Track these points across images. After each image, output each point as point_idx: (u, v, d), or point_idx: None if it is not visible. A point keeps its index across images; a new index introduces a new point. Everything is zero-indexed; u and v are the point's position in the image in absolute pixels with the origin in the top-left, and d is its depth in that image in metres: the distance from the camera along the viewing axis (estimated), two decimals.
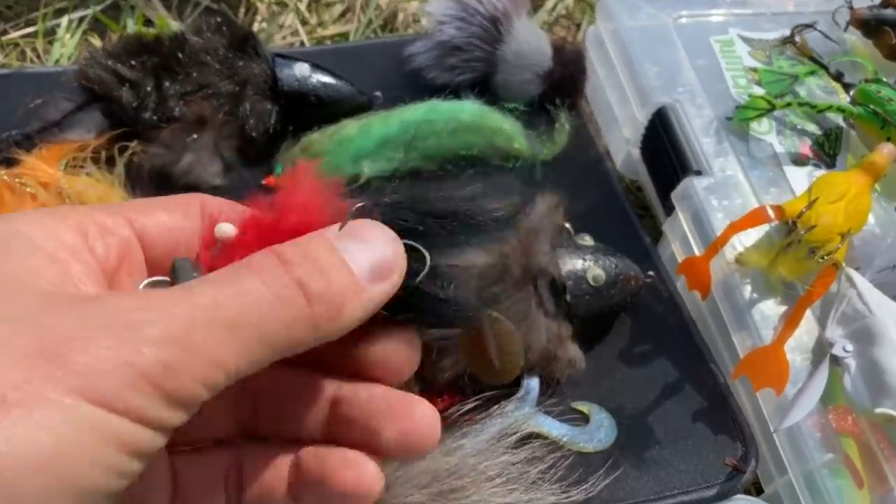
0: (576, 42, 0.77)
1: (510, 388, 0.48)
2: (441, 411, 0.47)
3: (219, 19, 0.60)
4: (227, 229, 0.30)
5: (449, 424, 0.46)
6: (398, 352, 0.32)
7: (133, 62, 0.58)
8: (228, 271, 0.27)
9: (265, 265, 0.27)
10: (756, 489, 0.52)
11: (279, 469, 0.31)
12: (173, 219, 0.31)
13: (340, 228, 0.29)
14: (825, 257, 0.47)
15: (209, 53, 0.59)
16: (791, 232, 0.49)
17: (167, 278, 0.29)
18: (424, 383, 0.48)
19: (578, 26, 0.79)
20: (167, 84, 0.58)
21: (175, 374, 0.23)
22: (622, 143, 0.64)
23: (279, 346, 0.26)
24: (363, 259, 0.28)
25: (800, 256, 0.48)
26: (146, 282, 0.29)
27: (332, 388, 0.31)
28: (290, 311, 0.26)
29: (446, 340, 0.47)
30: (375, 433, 0.30)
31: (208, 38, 0.59)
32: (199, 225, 0.31)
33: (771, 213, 0.49)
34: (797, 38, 0.61)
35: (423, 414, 0.31)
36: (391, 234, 0.29)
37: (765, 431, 0.50)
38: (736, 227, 0.49)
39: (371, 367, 0.31)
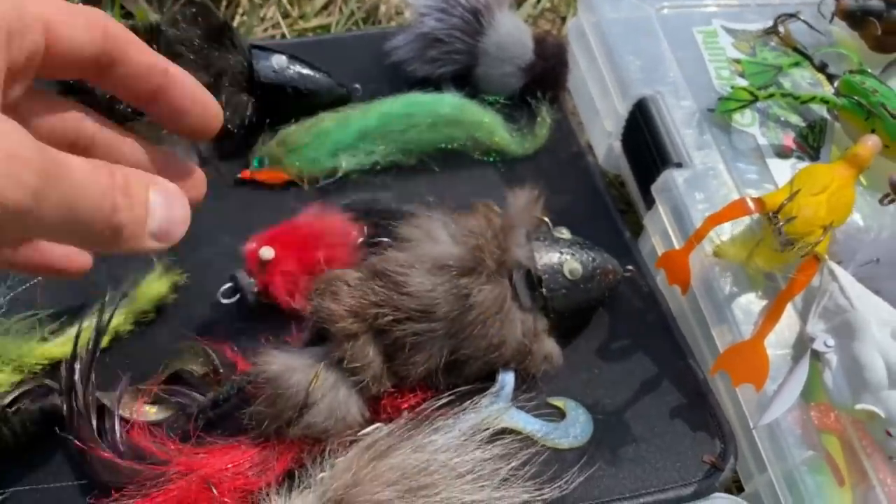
0: (560, 35, 0.76)
1: (485, 384, 0.47)
2: (413, 406, 0.47)
3: (194, 10, 0.59)
4: (268, 254, 0.45)
5: (421, 420, 0.45)
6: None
7: None
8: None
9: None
10: (737, 487, 0.51)
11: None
12: (80, 35, 0.34)
13: None
14: (806, 252, 0.46)
15: (184, 44, 0.58)
16: (771, 225, 0.48)
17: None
18: (397, 378, 0.47)
19: (564, 19, 0.78)
20: None
21: None
22: (604, 136, 0.63)
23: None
24: (160, 215, 0.33)
25: (776, 247, 0.47)
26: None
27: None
28: (99, 183, 0.30)
29: (419, 336, 0.46)
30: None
31: (184, 28, 0.58)
32: (98, 45, 0.34)
33: (751, 204, 0.48)
34: (781, 29, 0.60)
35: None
36: (186, 206, 0.34)
37: (744, 428, 0.49)
38: (715, 220, 0.49)
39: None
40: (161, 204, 0.33)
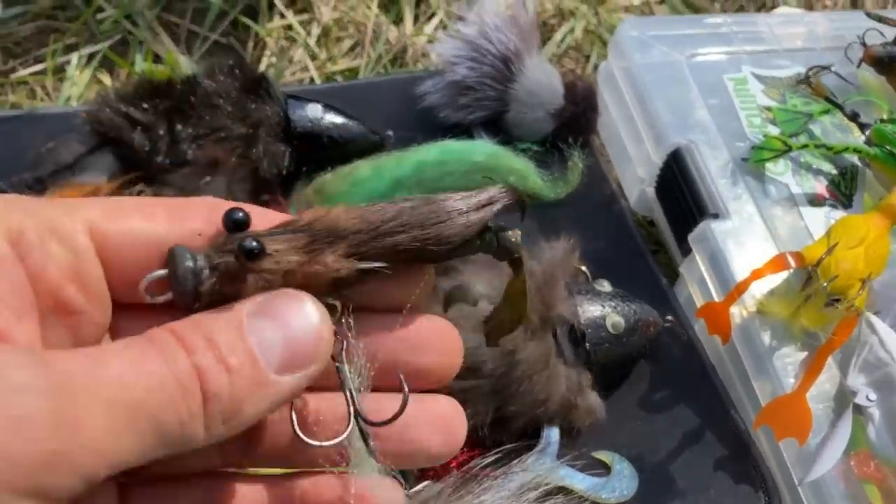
0: (585, 74, 0.77)
1: (530, 440, 0.48)
2: (461, 464, 0.47)
3: (231, 62, 0.59)
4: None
5: (469, 478, 0.45)
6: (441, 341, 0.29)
7: (145, 105, 0.58)
8: (131, 342, 0.23)
9: (168, 346, 0.23)
10: None
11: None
12: (151, 226, 0.26)
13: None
14: (848, 308, 0.47)
15: (222, 96, 0.58)
16: (811, 279, 0.49)
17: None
18: None
19: (587, 58, 0.79)
20: (179, 127, 0.57)
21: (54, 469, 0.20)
22: (636, 180, 0.64)
23: (170, 441, 0.23)
24: (275, 343, 0.24)
25: (821, 306, 0.47)
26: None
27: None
28: (188, 404, 0.23)
29: (466, 393, 0.47)
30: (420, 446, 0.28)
31: (221, 80, 0.59)
32: (186, 233, 0.26)
33: (791, 260, 0.49)
34: (811, 79, 0.60)
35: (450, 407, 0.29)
36: (318, 310, 0.25)
37: (787, 480, 0.49)
38: (757, 275, 0.49)
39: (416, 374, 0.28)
40: (269, 329, 0.25)
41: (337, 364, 0.27)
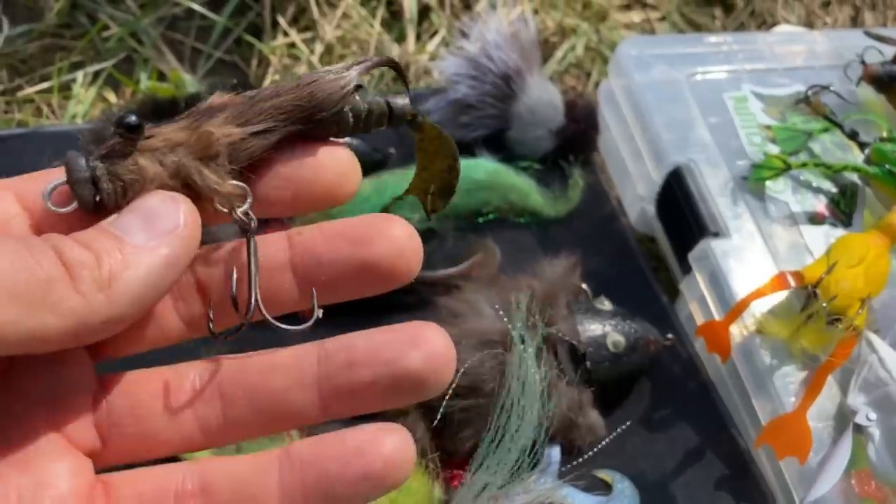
0: (586, 92, 0.78)
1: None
2: (462, 483, 0.47)
3: (234, 81, 0.60)
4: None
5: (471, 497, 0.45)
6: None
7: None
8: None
9: (26, 237, 0.25)
10: None
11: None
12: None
13: None
14: (848, 327, 0.47)
15: None
16: (811, 299, 0.49)
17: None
18: (445, 453, 0.48)
19: (588, 75, 0.79)
20: None
21: None
22: (636, 198, 0.64)
23: (40, 308, 0.23)
24: (134, 223, 0.26)
25: (821, 327, 0.48)
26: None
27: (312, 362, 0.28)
28: (45, 269, 0.24)
29: (466, 412, 0.47)
30: (395, 362, 0.26)
31: None
32: None
33: (791, 280, 0.49)
34: (811, 98, 0.61)
35: (435, 331, 0.27)
36: (172, 193, 0.26)
37: (789, 500, 0.49)
38: (757, 294, 0.49)
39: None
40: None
41: (248, 235, 0.27)
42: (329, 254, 0.28)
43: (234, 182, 0.27)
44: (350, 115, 0.28)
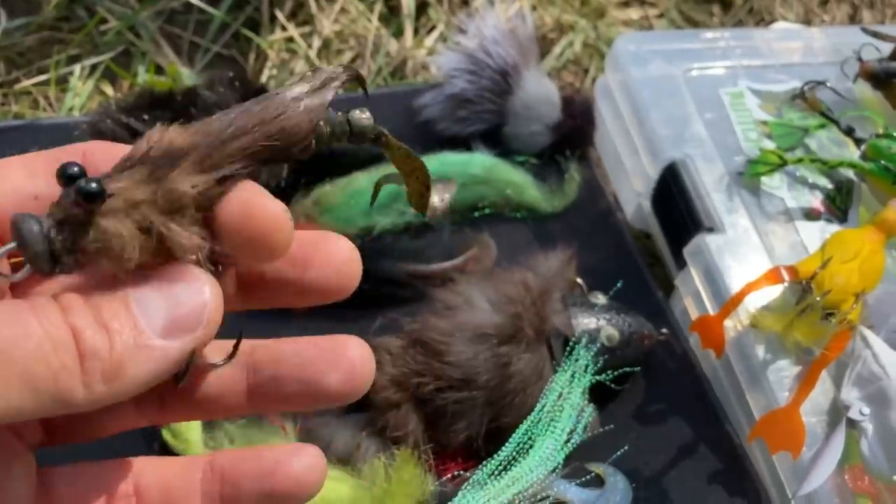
0: (583, 88, 0.78)
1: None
2: (454, 476, 0.47)
3: (231, 74, 0.60)
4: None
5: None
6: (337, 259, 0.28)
7: (146, 116, 0.58)
8: (11, 303, 0.24)
9: (44, 306, 0.24)
10: None
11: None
12: (34, 182, 0.26)
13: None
14: (841, 322, 0.47)
15: (221, 108, 0.58)
16: (805, 294, 0.49)
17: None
18: (438, 445, 0.48)
19: (586, 71, 0.79)
20: None
21: None
22: (632, 193, 0.64)
23: (44, 395, 0.23)
24: (158, 310, 0.25)
25: (815, 321, 0.48)
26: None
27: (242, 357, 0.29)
28: (60, 356, 0.23)
29: (460, 404, 0.47)
30: (315, 381, 0.28)
31: (221, 92, 0.59)
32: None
33: (785, 274, 0.49)
34: (807, 94, 0.61)
35: (356, 348, 0.28)
36: (204, 277, 0.25)
37: (781, 494, 0.49)
38: (751, 287, 0.49)
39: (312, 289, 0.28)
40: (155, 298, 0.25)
41: None
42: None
43: (199, 236, 0.25)
44: (314, 141, 0.27)
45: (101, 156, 0.27)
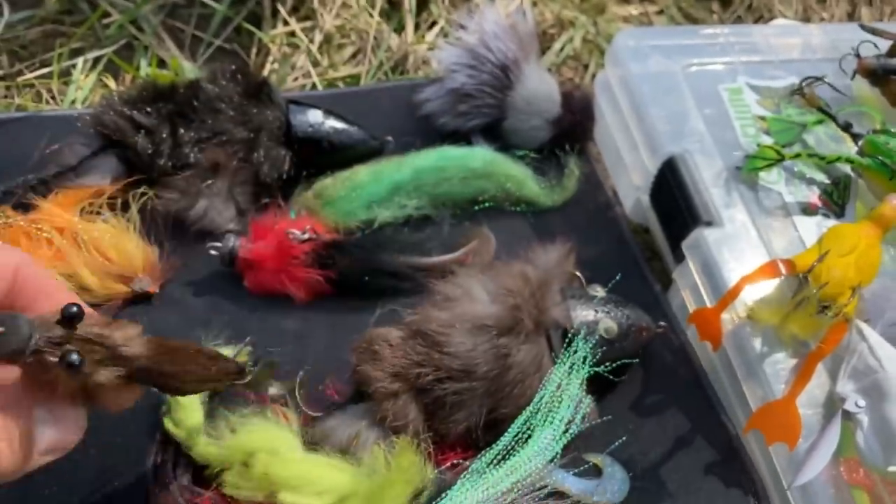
0: (583, 83, 0.78)
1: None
2: (453, 465, 0.48)
3: (233, 67, 0.60)
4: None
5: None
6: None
7: (148, 109, 0.59)
8: None
9: None
10: None
11: None
12: None
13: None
14: (837, 314, 0.47)
15: (224, 101, 0.59)
16: (802, 287, 0.49)
17: None
18: (438, 435, 0.48)
19: (586, 67, 0.80)
20: (182, 131, 0.58)
21: None
22: (631, 188, 0.64)
23: None
24: (48, 438, 0.35)
25: (811, 314, 0.48)
26: None
27: None
28: None
29: (460, 395, 0.48)
30: None
31: (223, 85, 0.60)
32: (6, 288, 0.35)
33: (782, 267, 0.50)
34: (805, 91, 0.61)
35: None
36: (81, 419, 0.36)
37: (777, 484, 0.50)
38: (747, 280, 0.50)
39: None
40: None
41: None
42: None
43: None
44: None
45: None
